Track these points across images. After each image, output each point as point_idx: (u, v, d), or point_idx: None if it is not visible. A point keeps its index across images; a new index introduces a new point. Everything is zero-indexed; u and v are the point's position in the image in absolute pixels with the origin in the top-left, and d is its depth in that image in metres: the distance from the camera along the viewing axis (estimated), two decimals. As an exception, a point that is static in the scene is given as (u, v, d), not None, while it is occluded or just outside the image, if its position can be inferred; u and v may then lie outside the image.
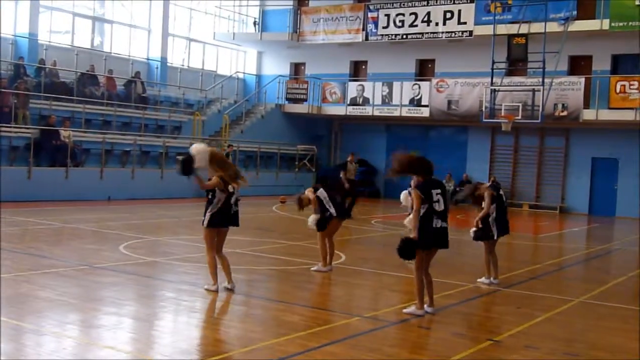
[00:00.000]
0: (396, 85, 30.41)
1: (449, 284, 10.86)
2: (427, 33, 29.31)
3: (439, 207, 8.77)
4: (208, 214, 9.48)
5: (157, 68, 31.00)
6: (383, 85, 30.78)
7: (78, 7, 28.59)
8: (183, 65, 33.17)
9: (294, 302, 9.46)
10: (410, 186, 9.46)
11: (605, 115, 26.04)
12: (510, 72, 27.57)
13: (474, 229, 11.31)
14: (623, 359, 7.54)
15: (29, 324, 7.58)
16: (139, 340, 7.42)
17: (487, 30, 26.66)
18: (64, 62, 26.41)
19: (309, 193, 11.60)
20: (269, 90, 33.65)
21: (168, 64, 31.78)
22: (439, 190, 8.82)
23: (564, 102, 26.34)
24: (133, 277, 10.57)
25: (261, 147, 29.99)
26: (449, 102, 28.92)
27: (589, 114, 26.29)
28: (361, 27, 30.93)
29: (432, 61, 31.98)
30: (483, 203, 11.20)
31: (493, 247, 11.37)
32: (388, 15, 30.16)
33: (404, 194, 12.39)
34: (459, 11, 28.55)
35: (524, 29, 25.55)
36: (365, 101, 31.10)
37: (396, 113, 30.39)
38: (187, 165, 9.32)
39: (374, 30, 30.57)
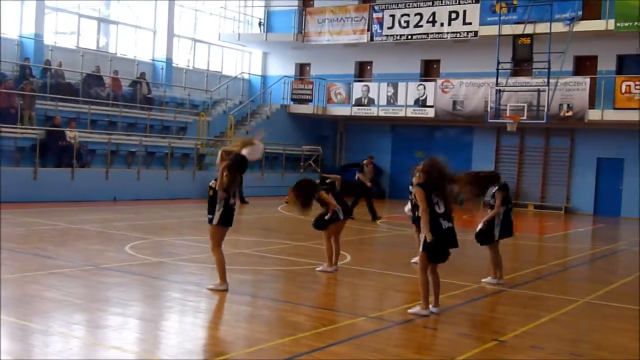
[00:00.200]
0: (401, 85, 30.40)
1: (454, 285, 10.86)
2: (432, 33, 29.32)
3: (439, 209, 8.80)
4: (218, 213, 9.47)
5: (162, 69, 31.05)
6: (388, 85, 30.78)
7: (83, 8, 28.65)
8: (188, 66, 33.21)
9: (300, 303, 9.47)
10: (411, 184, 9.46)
11: (611, 115, 25.99)
12: (515, 73, 27.56)
13: (480, 226, 11.34)
14: (628, 359, 7.54)
15: (35, 324, 7.60)
16: (145, 340, 7.44)
17: (492, 30, 26.63)
18: (69, 63, 26.47)
19: (324, 194, 11.58)
20: (274, 91, 33.69)
21: (173, 65, 31.82)
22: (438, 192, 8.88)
23: (569, 102, 26.30)
24: (138, 277, 10.60)
25: (266, 147, 29.95)
26: (454, 103, 28.91)
27: (594, 114, 26.25)
28: (366, 27, 30.95)
29: (437, 62, 31.96)
30: (492, 201, 11.28)
31: (497, 248, 11.38)
32: (393, 16, 30.18)
33: (407, 207, 12.58)
34: (464, 11, 28.56)
35: (529, 29, 25.53)
36: (371, 102, 31.10)
37: (401, 113, 30.37)
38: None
39: (379, 31, 30.59)
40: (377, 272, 12.17)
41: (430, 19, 29.30)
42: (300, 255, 13.45)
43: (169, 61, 31.35)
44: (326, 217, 11.55)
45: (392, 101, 30.58)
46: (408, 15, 29.80)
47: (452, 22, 28.79)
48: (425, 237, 8.76)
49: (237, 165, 9.36)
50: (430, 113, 29.59)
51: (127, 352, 6.90)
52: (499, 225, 11.23)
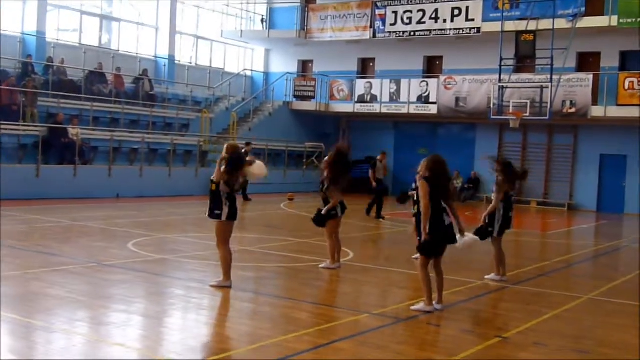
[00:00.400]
0: (404, 82, 30.37)
1: (458, 281, 10.85)
2: (435, 30, 29.31)
3: (442, 204, 8.80)
4: (226, 207, 9.45)
5: (164, 66, 31.05)
6: (391, 82, 30.75)
7: (86, 5, 28.65)
8: (191, 63, 33.20)
9: (303, 300, 9.47)
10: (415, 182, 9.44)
11: (614, 111, 25.95)
12: (518, 69, 27.53)
13: (481, 224, 11.33)
14: (632, 356, 7.52)
15: (39, 321, 7.61)
16: (149, 337, 7.44)
17: (495, 27, 26.59)
18: (72, 60, 26.48)
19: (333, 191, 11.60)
20: (276, 88, 33.68)
21: (176, 62, 31.82)
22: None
23: (572, 98, 26.26)
24: (142, 274, 10.60)
25: (269, 144, 29.99)
26: (457, 99, 28.88)
27: (597, 111, 26.21)
28: (369, 24, 30.94)
29: (440, 58, 31.91)
30: (493, 195, 11.32)
31: (500, 244, 11.37)
32: (396, 13, 30.17)
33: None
34: (467, 8, 28.56)
35: (532, 25, 25.47)
36: (373, 98, 31.08)
37: (404, 110, 30.35)
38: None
39: (381, 28, 30.57)
40: (381, 269, 12.17)
41: (433, 16, 29.30)
42: (303, 252, 13.45)
43: (171, 58, 31.34)
44: (323, 212, 11.57)
45: (394, 98, 30.56)
46: (411, 11, 29.80)
47: (455, 18, 28.78)
48: (421, 233, 8.76)
49: (233, 161, 9.34)
50: (433, 110, 29.56)
51: (130, 349, 6.90)
52: (500, 222, 11.22)
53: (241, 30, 34.12)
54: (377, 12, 30.61)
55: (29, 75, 23.89)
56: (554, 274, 12.82)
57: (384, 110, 30.83)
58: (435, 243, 8.75)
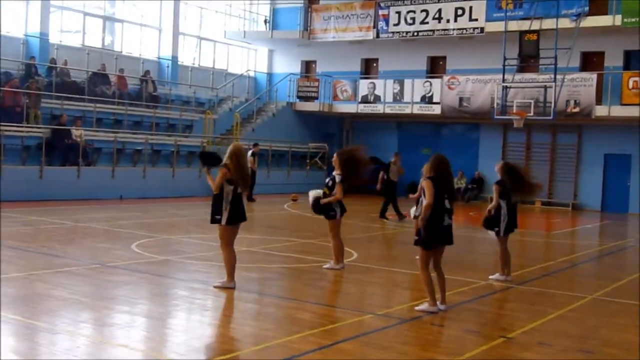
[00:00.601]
0: (407, 82, 30.35)
1: (462, 281, 10.84)
2: (438, 30, 29.28)
3: (446, 204, 8.79)
4: (225, 212, 9.46)
5: (168, 67, 31.05)
6: (394, 82, 30.74)
7: (89, 6, 28.65)
8: (194, 64, 33.20)
9: (307, 300, 9.46)
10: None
11: (618, 111, 25.90)
12: (521, 69, 27.51)
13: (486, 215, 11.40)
14: (636, 356, 7.49)
15: (42, 322, 7.61)
16: (152, 338, 7.44)
17: (498, 26, 26.57)
18: (75, 62, 26.48)
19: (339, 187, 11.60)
20: (280, 89, 33.67)
21: (179, 63, 31.81)
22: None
23: (576, 98, 26.21)
24: (145, 275, 10.60)
25: (272, 145, 29.98)
26: (461, 99, 28.84)
27: (601, 110, 26.16)
28: (372, 24, 30.93)
29: (444, 58, 31.88)
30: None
31: (505, 244, 11.35)
32: (399, 13, 30.15)
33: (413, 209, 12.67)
34: (470, 8, 28.53)
35: (535, 25, 25.45)
36: (377, 99, 31.06)
37: (407, 110, 30.33)
38: (207, 158, 10.17)
39: (384, 28, 30.55)
40: (384, 270, 12.15)
41: (436, 16, 29.27)
42: (307, 252, 13.44)
43: (174, 59, 31.34)
44: (321, 202, 11.56)
45: (398, 98, 30.54)
46: (414, 11, 29.78)
47: (458, 18, 28.75)
48: (420, 230, 8.74)
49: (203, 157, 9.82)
50: (436, 110, 29.53)
51: (134, 350, 6.89)
52: (505, 221, 11.22)
53: (244, 31, 34.12)
54: (380, 12, 30.58)
55: (32, 76, 23.90)
56: (559, 273, 12.79)
57: (388, 111, 30.81)
58: (431, 236, 8.73)
